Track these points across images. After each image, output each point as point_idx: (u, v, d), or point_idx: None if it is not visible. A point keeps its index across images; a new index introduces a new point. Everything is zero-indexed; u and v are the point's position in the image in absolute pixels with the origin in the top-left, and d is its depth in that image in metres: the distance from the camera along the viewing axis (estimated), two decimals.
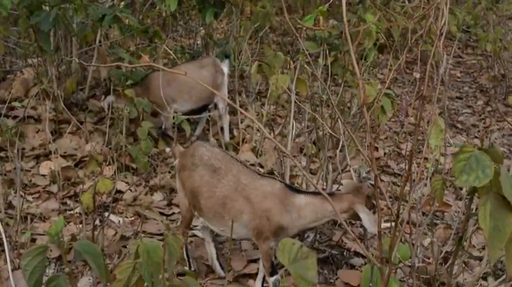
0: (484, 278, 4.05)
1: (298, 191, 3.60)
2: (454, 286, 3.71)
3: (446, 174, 3.67)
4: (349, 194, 3.48)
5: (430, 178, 3.56)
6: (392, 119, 7.04)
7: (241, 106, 6.20)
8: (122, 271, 2.02)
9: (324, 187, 4.44)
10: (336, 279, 3.97)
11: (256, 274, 4.00)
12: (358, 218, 3.46)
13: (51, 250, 3.96)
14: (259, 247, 3.63)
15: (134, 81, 5.58)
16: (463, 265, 3.75)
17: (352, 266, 4.20)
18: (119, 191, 4.66)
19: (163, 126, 5.69)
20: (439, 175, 2.83)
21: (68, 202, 4.72)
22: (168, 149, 5.55)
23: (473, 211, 3.25)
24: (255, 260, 4.12)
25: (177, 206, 4.85)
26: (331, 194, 3.55)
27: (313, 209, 3.46)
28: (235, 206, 3.59)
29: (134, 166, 5.17)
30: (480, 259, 4.14)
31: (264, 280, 3.82)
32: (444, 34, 2.77)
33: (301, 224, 3.52)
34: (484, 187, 2.24)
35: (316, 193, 3.51)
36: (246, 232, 3.62)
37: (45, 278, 1.90)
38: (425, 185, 4.32)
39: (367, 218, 3.37)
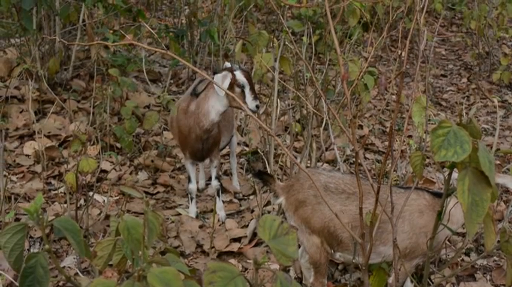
0: (467, 254, 4.10)
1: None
2: (437, 261, 3.75)
3: (428, 151, 3.69)
4: None
5: None
6: (378, 97, 7.05)
7: None
8: (102, 248, 2.03)
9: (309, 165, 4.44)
10: None
11: (239, 253, 4.02)
12: None
13: (35, 230, 3.97)
14: (402, 266, 3.24)
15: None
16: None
17: None
18: (103, 171, 4.66)
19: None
20: (419, 151, 2.85)
21: (52, 181, 4.72)
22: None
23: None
24: (238, 239, 4.16)
25: (162, 185, 4.86)
26: None
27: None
28: (387, 228, 3.19)
29: (119, 145, 5.16)
30: (464, 235, 4.18)
31: None
32: (425, 10, 2.78)
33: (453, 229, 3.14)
34: (462, 162, 2.26)
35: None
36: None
37: None
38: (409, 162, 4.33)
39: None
